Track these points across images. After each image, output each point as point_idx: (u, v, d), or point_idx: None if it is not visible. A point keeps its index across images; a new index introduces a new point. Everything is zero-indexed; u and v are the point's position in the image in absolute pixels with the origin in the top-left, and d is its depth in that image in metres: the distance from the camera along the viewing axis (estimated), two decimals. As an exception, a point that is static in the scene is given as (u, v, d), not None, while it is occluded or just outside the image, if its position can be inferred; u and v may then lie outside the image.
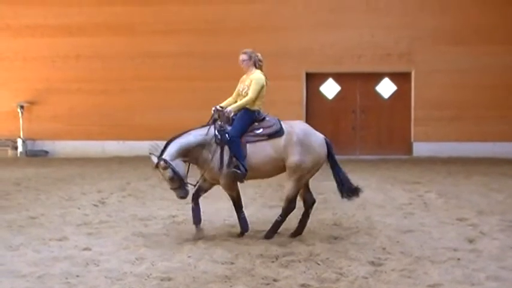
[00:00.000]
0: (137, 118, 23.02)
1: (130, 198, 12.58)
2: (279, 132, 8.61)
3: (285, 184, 8.89)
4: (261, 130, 8.65)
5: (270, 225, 8.81)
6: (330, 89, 23.07)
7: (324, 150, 8.77)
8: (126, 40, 23.08)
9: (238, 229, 9.05)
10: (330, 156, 8.86)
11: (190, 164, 8.72)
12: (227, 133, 8.51)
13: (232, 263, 7.23)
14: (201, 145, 8.51)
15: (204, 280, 6.54)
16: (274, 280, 6.55)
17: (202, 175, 8.79)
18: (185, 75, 22.69)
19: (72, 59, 23.32)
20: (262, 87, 8.81)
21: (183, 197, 8.61)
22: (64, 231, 9.06)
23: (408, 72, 22.59)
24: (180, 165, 8.43)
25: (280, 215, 8.77)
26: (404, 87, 22.75)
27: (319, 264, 7.19)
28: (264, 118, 8.78)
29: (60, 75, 23.31)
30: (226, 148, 8.48)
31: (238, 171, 8.41)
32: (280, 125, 8.69)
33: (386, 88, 23.03)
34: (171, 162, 8.29)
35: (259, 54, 9.03)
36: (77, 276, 6.71)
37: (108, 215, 10.54)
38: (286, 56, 22.21)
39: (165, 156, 8.33)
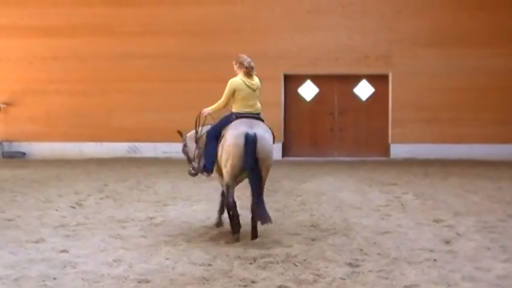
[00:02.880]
0: (115, 120, 22.92)
1: (107, 200, 12.51)
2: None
3: None
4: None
5: (249, 227, 8.81)
6: (308, 90, 23.12)
7: (234, 141, 8.43)
8: (103, 41, 22.95)
9: (215, 231, 9.08)
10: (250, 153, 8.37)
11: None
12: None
13: (210, 265, 7.23)
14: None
15: (182, 282, 6.54)
16: (252, 282, 6.56)
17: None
18: (163, 77, 22.61)
19: (49, 59, 23.13)
20: (233, 91, 8.89)
21: (192, 174, 9.73)
22: (41, 233, 9.00)
23: (385, 74, 22.70)
24: (191, 144, 9.77)
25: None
26: (381, 90, 22.86)
27: (296, 265, 7.21)
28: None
29: (37, 76, 23.09)
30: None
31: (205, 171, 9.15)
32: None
33: (364, 90, 23.13)
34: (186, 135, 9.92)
35: (241, 58, 9.12)
36: (54, 278, 6.67)
37: (86, 217, 10.49)
38: (264, 58, 22.11)
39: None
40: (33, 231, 9.23)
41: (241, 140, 8.35)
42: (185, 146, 9.83)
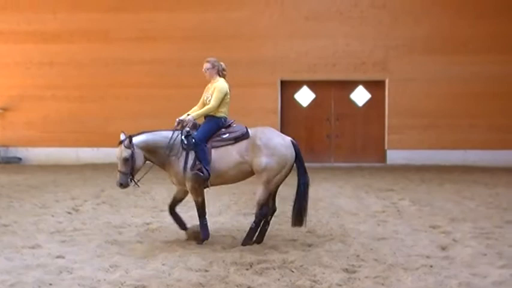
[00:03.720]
0: (111, 125, 22.83)
1: (104, 205, 12.51)
2: (244, 135, 8.73)
3: (255, 190, 8.90)
4: (227, 135, 8.77)
5: (245, 232, 8.82)
6: (304, 96, 23.14)
7: (290, 152, 8.80)
8: (100, 47, 22.96)
9: (213, 237, 9.06)
10: (298, 159, 8.88)
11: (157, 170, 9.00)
12: (193, 138, 8.65)
13: (206, 271, 7.22)
14: (166, 148, 8.65)
15: (178, 288, 6.54)
16: (249, 287, 6.55)
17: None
18: (160, 83, 22.63)
19: (46, 65, 23.13)
20: (225, 94, 8.88)
21: (122, 184, 8.86)
22: (37, 239, 8.98)
23: (382, 80, 22.74)
24: (139, 155, 8.70)
25: (253, 221, 8.78)
26: (378, 95, 22.89)
27: (293, 271, 7.20)
28: (229, 125, 8.91)
29: (34, 81, 23.09)
30: (191, 153, 8.62)
31: (201, 174, 8.52)
32: (246, 129, 8.79)
33: (360, 96, 23.16)
34: (135, 147, 8.62)
35: (222, 63, 9.11)
36: (50, 284, 6.66)
37: (82, 222, 10.48)
38: (261, 64, 22.27)
39: (134, 139, 8.65)
40: (29, 236, 9.20)
41: (292, 149, 8.80)
42: (132, 153, 8.69)
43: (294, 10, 22.74)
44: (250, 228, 8.76)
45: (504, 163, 21.46)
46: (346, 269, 7.28)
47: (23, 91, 23.16)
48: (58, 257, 7.88)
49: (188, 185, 8.69)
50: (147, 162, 8.93)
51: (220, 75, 9.05)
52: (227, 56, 23.44)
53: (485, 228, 9.84)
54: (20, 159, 23.22)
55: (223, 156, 8.66)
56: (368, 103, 23.12)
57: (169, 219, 10.76)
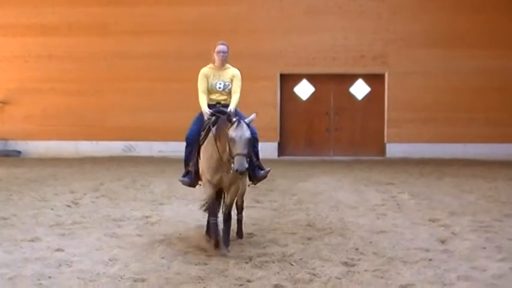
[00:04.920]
0: (110, 118, 22.89)
1: (103, 199, 12.48)
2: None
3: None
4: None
5: (249, 225, 8.83)
6: (304, 90, 23.11)
7: None
8: (99, 40, 22.92)
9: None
10: None
11: None
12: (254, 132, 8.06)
13: (205, 264, 7.22)
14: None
15: (177, 281, 6.53)
16: (248, 281, 6.55)
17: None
18: (158, 76, 22.60)
19: (45, 58, 23.09)
20: None
21: (247, 168, 7.60)
22: (36, 232, 8.97)
23: (382, 73, 22.72)
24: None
25: (239, 213, 8.71)
26: (377, 89, 22.87)
27: (292, 264, 7.21)
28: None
29: (33, 75, 23.06)
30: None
31: (266, 170, 8.50)
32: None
33: (360, 89, 23.14)
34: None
35: None
36: (49, 277, 6.65)
37: (81, 215, 10.46)
38: (261, 57, 22.25)
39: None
40: (29, 230, 9.20)
41: None
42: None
43: (293, 4, 22.72)
44: (239, 220, 8.73)
45: (503, 157, 21.48)
46: (346, 262, 7.29)
47: (21, 84, 23.13)
48: (57, 250, 7.88)
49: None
50: None
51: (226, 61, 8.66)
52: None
53: (484, 222, 9.85)
54: (19, 152, 23.20)
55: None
56: (367, 96, 23.10)
57: (168, 212, 10.83)
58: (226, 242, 7.82)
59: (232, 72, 8.58)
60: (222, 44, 8.66)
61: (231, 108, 8.20)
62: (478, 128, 22.15)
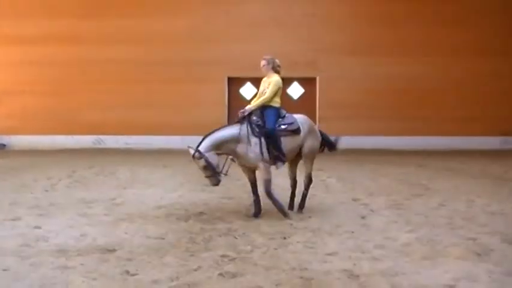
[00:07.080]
0: (82, 115, 22.63)
1: (76, 184, 12.31)
2: (297, 130, 8.73)
3: (304, 165, 9.13)
4: (286, 126, 8.69)
5: (200, 205, 8.78)
6: (248, 91, 23.11)
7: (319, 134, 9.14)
8: (72, 49, 22.59)
9: (166, 210, 9.04)
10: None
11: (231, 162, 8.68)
12: (267, 127, 8.46)
13: (162, 238, 7.19)
14: (236, 139, 8.34)
15: (139, 252, 6.50)
16: (198, 251, 6.56)
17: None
18: (124, 79, 22.40)
19: (26, 64, 22.68)
20: (279, 88, 8.99)
21: (216, 184, 8.37)
22: (17, 213, 8.81)
23: (314, 77, 22.90)
24: (212, 157, 8.21)
25: (305, 189, 9.13)
26: (310, 90, 23.04)
27: (236, 238, 7.23)
28: (284, 116, 8.89)
29: (15, 79, 22.73)
30: (263, 139, 8.41)
31: (281, 162, 8.56)
32: (298, 124, 8.80)
33: (295, 91, 23.27)
34: (204, 154, 8.12)
35: (277, 60, 9.28)
36: (29, 248, 6.56)
37: (57, 198, 10.30)
38: (211, 63, 22.18)
39: (200, 148, 8.15)
40: (11, 210, 9.03)
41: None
42: (205, 159, 8.14)
43: (238, 18, 22.72)
44: (303, 194, 9.11)
45: (413, 147, 21.94)
46: (282, 236, 7.33)
47: (4, 87, 22.79)
48: (35, 227, 7.76)
49: (261, 166, 8.41)
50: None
51: (274, 71, 9.13)
52: (181, 57, 23.35)
53: (396, 201, 10.02)
54: (4, 145, 22.75)
55: (286, 143, 8.58)
56: (302, 97, 23.24)
57: (131, 195, 10.73)
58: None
59: (270, 79, 9.15)
60: (263, 58, 9.36)
61: (248, 107, 8.77)
62: (392, 123, 22.50)
